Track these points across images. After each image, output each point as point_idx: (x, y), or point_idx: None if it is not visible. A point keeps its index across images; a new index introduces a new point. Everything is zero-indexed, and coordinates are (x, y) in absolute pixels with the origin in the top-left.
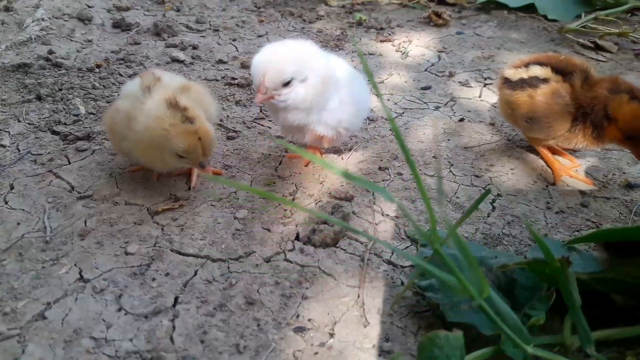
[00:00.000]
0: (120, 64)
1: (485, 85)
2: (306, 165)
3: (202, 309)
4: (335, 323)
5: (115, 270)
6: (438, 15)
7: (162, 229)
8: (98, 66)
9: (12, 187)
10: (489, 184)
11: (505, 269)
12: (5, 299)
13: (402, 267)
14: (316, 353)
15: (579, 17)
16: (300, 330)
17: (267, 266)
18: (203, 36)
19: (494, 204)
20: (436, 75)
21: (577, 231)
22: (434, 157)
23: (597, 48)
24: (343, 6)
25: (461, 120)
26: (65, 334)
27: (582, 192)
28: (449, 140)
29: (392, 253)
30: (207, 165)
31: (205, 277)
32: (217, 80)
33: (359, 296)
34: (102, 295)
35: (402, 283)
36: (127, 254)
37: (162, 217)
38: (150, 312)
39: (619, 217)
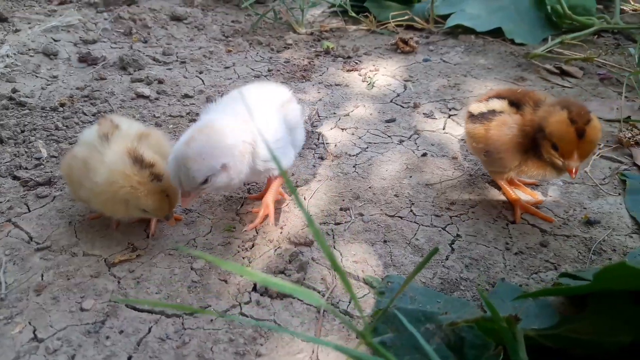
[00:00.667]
0: (85, 101)
1: (449, 116)
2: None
3: None
4: None
5: (70, 328)
6: (405, 42)
7: (119, 282)
8: (62, 105)
9: None
10: (448, 224)
11: (454, 326)
12: None
13: (359, 317)
14: None
15: (545, 40)
16: None
17: (222, 321)
18: (169, 69)
19: (453, 245)
20: (401, 106)
21: (535, 273)
22: (395, 195)
23: (563, 73)
24: (312, 33)
25: (424, 155)
26: None
27: (543, 230)
28: (410, 177)
29: (350, 302)
30: (172, 217)
31: (159, 334)
32: (182, 116)
33: (313, 352)
34: (55, 356)
35: (357, 337)
36: (82, 310)
37: (119, 269)
38: None
39: (578, 257)
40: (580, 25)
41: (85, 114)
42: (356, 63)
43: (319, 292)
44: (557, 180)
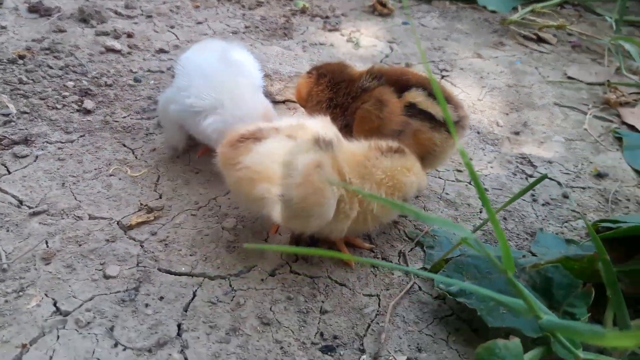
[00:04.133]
0: (47, 54)
1: (442, 77)
2: None
3: (213, 336)
4: (364, 336)
5: (99, 298)
6: (383, 4)
7: (142, 246)
8: (21, 57)
9: None
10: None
11: (538, 268)
12: None
13: (412, 272)
14: None
15: (515, 9)
16: (328, 350)
17: (274, 280)
18: (136, 23)
19: None
20: (393, 66)
21: (566, 222)
22: None
23: (539, 40)
24: None
25: None
26: None
27: (559, 183)
28: None
29: (399, 256)
30: None
31: (207, 298)
32: (162, 71)
33: (379, 305)
34: (89, 330)
35: (420, 288)
36: (107, 277)
37: (138, 232)
38: (154, 345)
39: (599, 207)
40: None
41: (51, 67)
42: (336, 24)
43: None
44: (559, 138)
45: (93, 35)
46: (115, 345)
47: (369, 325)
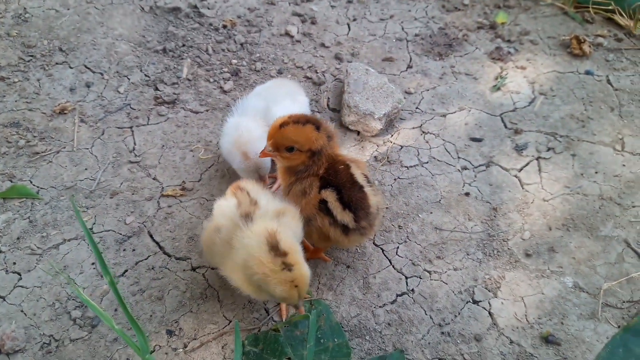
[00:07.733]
0: (244, 26)
1: (538, 158)
2: None
3: None
4: None
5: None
6: (579, 42)
7: None
8: (224, 26)
9: (103, 133)
10: (422, 277)
11: None
12: None
13: None
14: None
15: None
16: None
17: None
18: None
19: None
20: (505, 125)
21: None
22: (399, 227)
23: None
24: None
25: (467, 194)
26: None
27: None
28: (431, 213)
29: None
30: (301, 306)
31: None
32: (310, 66)
33: None
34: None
35: None
36: (125, 223)
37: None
38: None
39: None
40: None
41: (235, 42)
42: (510, 53)
43: None
44: None
45: (290, 14)
46: None
47: None
